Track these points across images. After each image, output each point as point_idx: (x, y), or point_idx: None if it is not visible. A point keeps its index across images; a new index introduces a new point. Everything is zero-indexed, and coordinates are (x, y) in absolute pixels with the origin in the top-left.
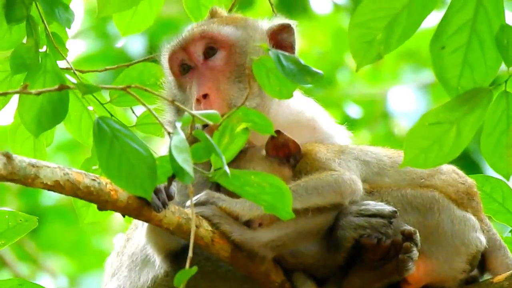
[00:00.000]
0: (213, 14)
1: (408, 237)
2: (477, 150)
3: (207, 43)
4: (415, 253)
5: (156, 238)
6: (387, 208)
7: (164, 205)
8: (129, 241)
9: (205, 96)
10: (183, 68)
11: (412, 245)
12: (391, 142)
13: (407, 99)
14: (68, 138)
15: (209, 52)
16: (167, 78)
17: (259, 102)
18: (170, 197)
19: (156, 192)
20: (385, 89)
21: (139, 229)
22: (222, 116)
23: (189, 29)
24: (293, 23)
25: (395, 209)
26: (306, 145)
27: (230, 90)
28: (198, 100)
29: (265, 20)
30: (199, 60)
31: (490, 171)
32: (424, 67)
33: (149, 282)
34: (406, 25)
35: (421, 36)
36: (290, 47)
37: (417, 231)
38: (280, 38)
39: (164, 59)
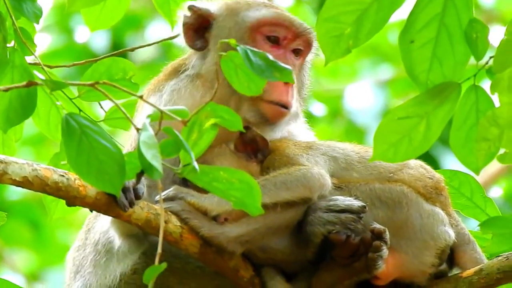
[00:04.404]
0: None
1: (378, 236)
2: (436, 146)
3: (301, 44)
4: (385, 251)
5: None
6: (356, 203)
7: (131, 204)
8: (90, 232)
9: (287, 83)
10: (270, 38)
11: (382, 243)
12: (351, 138)
13: (365, 95)
14: (33, 132)
15: (298, 51)
16: (236, 18)
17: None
18: (138, 197)
19: (125, 191)
20: (344, 85)
21: (101, 217)
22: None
23: (299, 20)
24: None
25: (364, 204)
26: (274, 141)
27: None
28: (286, 83)
29: None
30: (289, 49)
31: (448, 167)
32: (382, 62)
33: (117, 279)
34: (375, 20)
35: (381, 31)
36: None
37: (387, 230)
38: None
39: (260, 13)
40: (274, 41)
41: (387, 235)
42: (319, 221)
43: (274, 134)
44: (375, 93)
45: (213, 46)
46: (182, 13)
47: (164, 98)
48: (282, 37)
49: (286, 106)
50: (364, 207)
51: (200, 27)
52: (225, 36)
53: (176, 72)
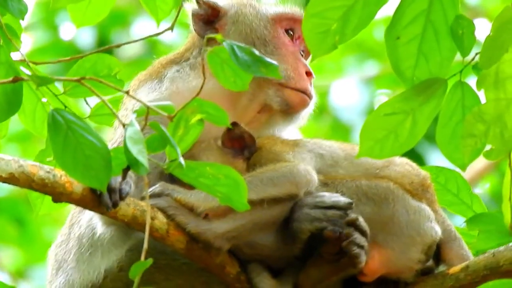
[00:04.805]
0: None
1: (351, 225)
2: (421, 142)
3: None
4: (357, 237)
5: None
6: (342, 199)
7: (115, 205)
8: (74, 226)
9: (309, 75)
10: (288, 32)
11: (353, 230)
12: (336, 134)
13: (351, 92)
14: (19, 129)
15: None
16: (262, 13)
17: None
18: (121, 198)
19: (110, 191)
20: (329, 81)
21: (87, 211)
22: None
23: None
24: None
25: (351, 201)
26: (261, 138)
27: None
28: (308, 73)
29: None
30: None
31: (433, 164)
32: (368, 58)
33: (102, 276)
34: (361, 16)
35: (366, 27)
36: None
37: (359, 217)
38: None
39: (280, 7)
40: (291, 37)
41: (361, 222)
42: (306, 218)
43: (290, 125)
44: (361, 89)
45: (227, 34)
46: (190, 5)
47: (165, 84)
48: (297, 35)
49: (309, 96)
50: (351, 203)
51: (209, 18)
52: (244, 26)
53: (175, 61)
